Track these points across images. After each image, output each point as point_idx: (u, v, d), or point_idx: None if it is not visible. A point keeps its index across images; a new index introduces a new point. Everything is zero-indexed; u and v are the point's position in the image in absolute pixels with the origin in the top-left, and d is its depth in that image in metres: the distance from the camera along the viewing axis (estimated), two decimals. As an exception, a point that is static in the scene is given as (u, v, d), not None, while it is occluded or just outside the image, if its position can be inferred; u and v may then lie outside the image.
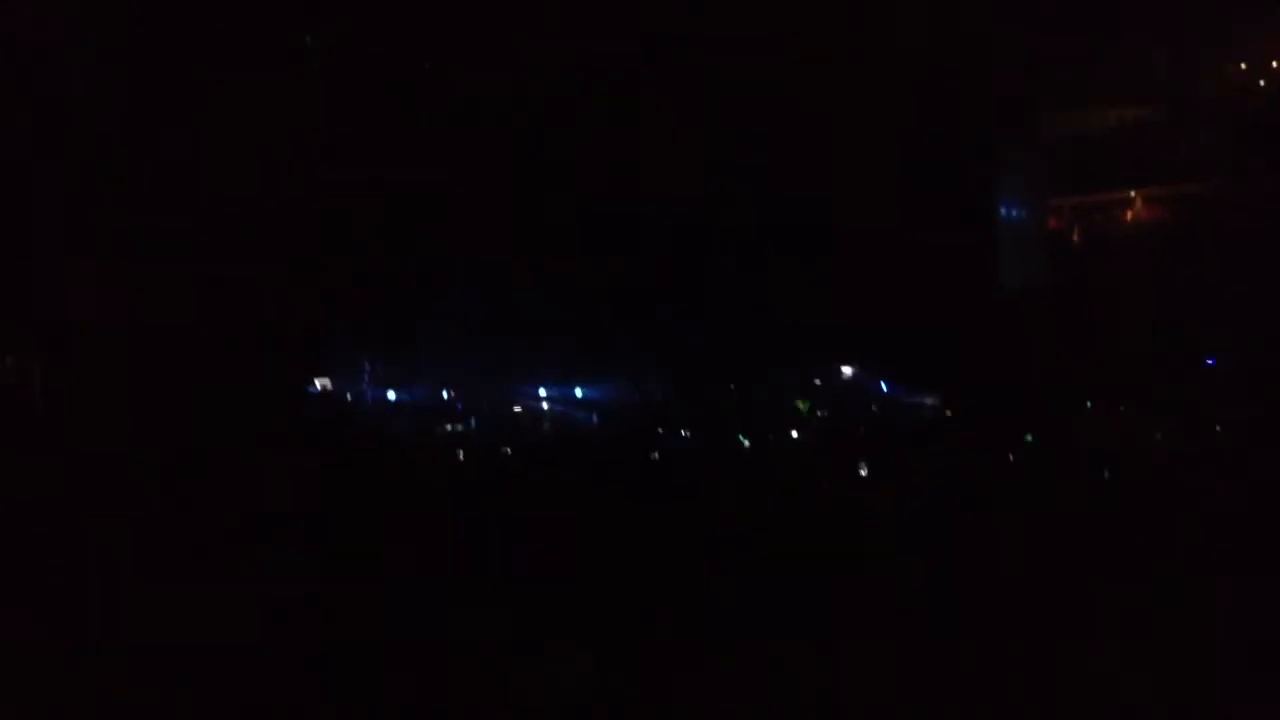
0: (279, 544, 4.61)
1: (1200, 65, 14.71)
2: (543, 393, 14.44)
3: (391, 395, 12.97)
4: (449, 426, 11.98)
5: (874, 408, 13.62)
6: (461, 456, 8.85)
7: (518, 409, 13.19)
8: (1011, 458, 9.46)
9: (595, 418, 12.75)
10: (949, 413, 12.65)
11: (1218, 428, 11.17)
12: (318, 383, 12.49)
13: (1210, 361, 12.80)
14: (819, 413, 13.01)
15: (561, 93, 13.85)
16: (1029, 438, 11.33)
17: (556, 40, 13.05)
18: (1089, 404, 12.69)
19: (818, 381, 14.64)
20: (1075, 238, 17.25)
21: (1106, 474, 8.77)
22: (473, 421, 11.95)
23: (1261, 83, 14.90)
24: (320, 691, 3.76)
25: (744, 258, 14.61)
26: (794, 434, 12.10)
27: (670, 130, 14.05)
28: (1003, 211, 16.03)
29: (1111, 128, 16.03)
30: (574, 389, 14.79)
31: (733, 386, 14.14)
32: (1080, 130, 16.34)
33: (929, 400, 13.66)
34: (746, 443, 11.34)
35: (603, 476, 9.34)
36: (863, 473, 8.39)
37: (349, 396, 12.85)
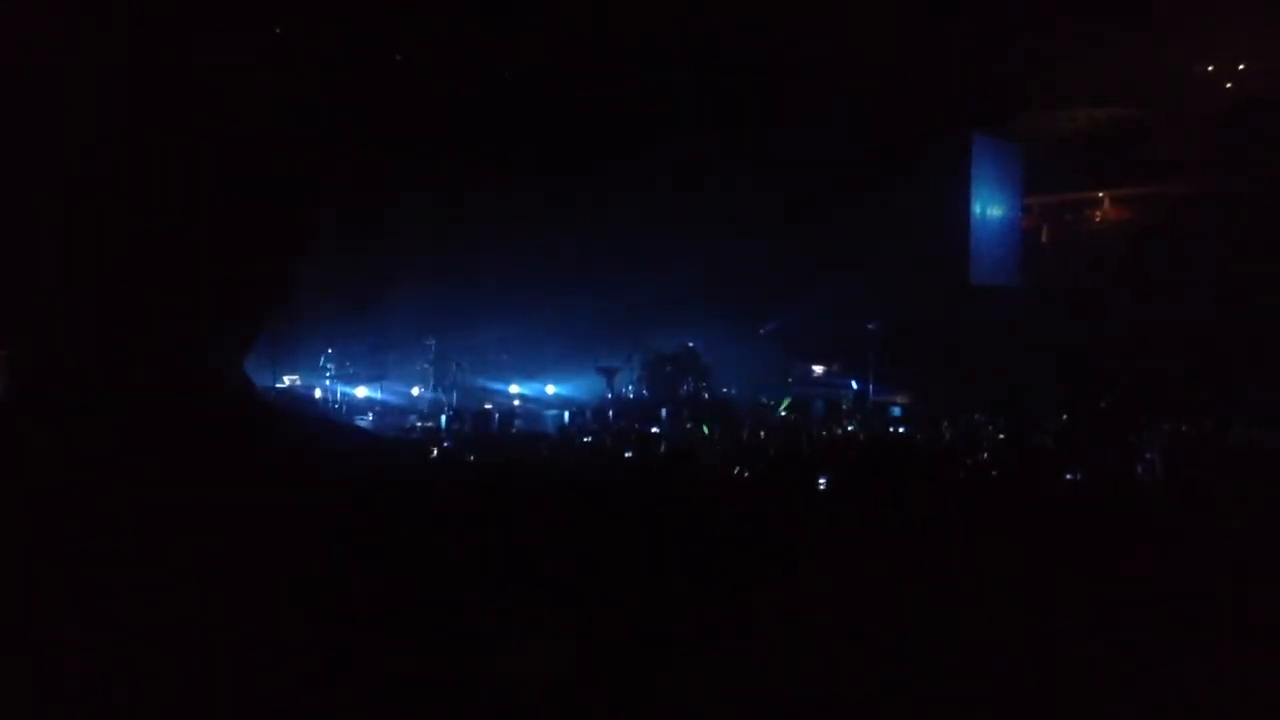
0: (254, 544, 4.41)
1: (1167, 67, 14.82)
2: (514, 389, 14.36)
3: (361, 392, 12.85)
4: (419, 423, 11.84)
5: (844, 406, 13.60)
6: (435, 453, 8.69)
7: (488, 406, 13.07)
8: (986, 456, 9.40)
9: (566, 415, 12.64)
10: (921, 412, 12.66)
11: (1184, 427, 11.22)
12: (286, 379, 12.33)
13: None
14: (789, 414, 12.97)
15: (538, 88, 13.71)
16: (1001, 437, 11.32)
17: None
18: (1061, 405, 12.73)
19: (790, 380, 14.66)
20: (1044, 238, 17.42)
21: (1079, 475, 8.72)
22: (443, 419, 11.81)
23: (1228, 85, 15.04)
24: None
25: (715, 253, 14.60)
26: (761, 434, 12.00)
27: (644, 132, 13.99)
28: (976, 210, 16.15)
29: (1081, 128, 16.17)
30: (544, 386, 14.73)
31: (704, 384, 14.13)
32: (1050, 131, 16.48)
33: (900, 400, 13.68)
34: (718, 444, 11.24)
35: (575, 475, 9.20)
36: (821, 484, 8.15)
37: (317, 393, 12.71)
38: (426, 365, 13.31)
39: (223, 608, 3.57)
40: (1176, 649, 3.86)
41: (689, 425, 11.88)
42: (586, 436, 10.90)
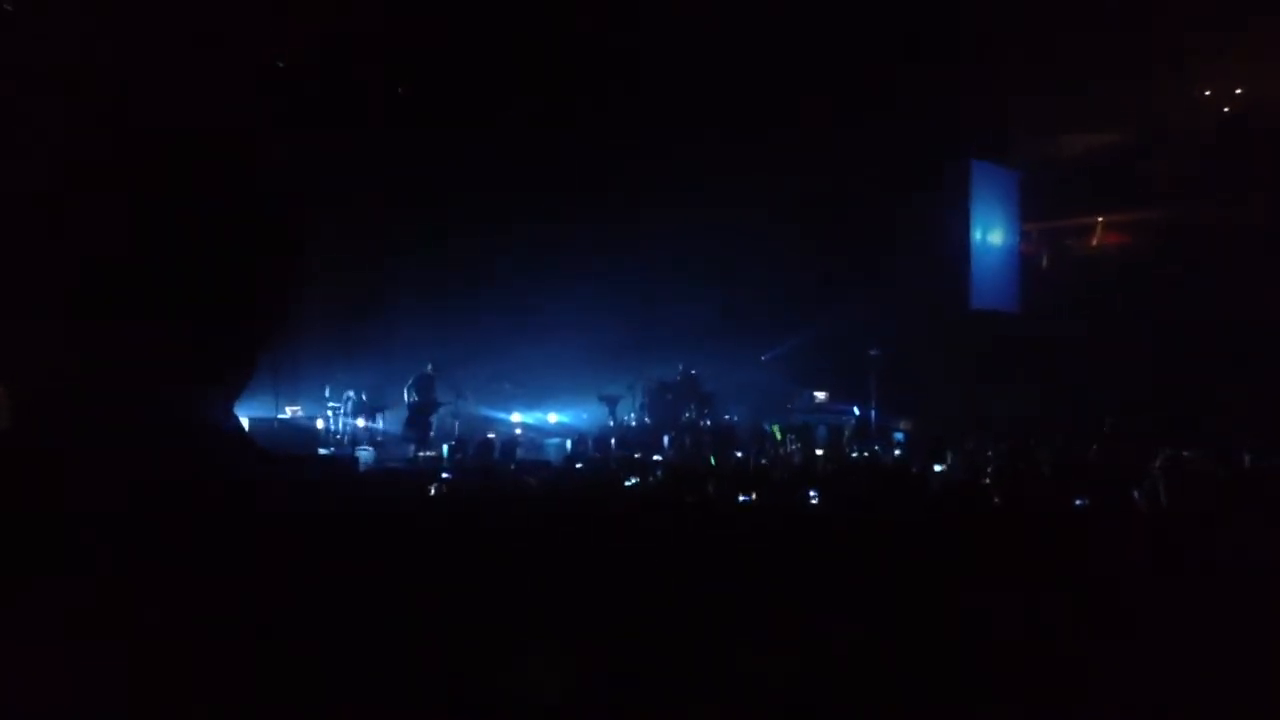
0: (254, 575, 4.34)
1: (1166, 92, 14.89)
2: (516, 418, 14.34)
3: (361, 422, 12.83)
4: (420, 454, 11.82)
5: (846, 433, 13.56)
6: (433, 491, 8.63)
7: (490, 435, 13.05)
8: (986, 481, 9.35)
9: (569, 444, 12.62)
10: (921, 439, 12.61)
11: (1185, 453, 11.15)
12: (288, 410, 12.33)
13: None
14: (790, 437, 12.93)
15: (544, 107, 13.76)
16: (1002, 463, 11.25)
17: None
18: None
19: (790, 406, 14.65)
20: (1045, 262, 17.44)
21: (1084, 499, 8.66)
22: (444, 449, 11.79)
23: (1226, 109, 15.10)
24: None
25: (718, 282, 14.63)
26: (763, 461, 11.96)
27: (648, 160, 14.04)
28: (976, 236, 16.18)
29: (1078, 155, 16.22)
30: (546, 415, 14.71)
31: (706, 411, 14.12)
32: (1048, 157, 16.54)
33: (903, 426, 13.64)
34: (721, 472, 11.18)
35: (579, 504, 9.14)
36: (813, 499, 8.12)
37: (319, 424, 12.70)
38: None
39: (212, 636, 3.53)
40: (1179, 676, 3.84)
41: (678, 451, 11.88)
42: (578, 463, 10.87)
